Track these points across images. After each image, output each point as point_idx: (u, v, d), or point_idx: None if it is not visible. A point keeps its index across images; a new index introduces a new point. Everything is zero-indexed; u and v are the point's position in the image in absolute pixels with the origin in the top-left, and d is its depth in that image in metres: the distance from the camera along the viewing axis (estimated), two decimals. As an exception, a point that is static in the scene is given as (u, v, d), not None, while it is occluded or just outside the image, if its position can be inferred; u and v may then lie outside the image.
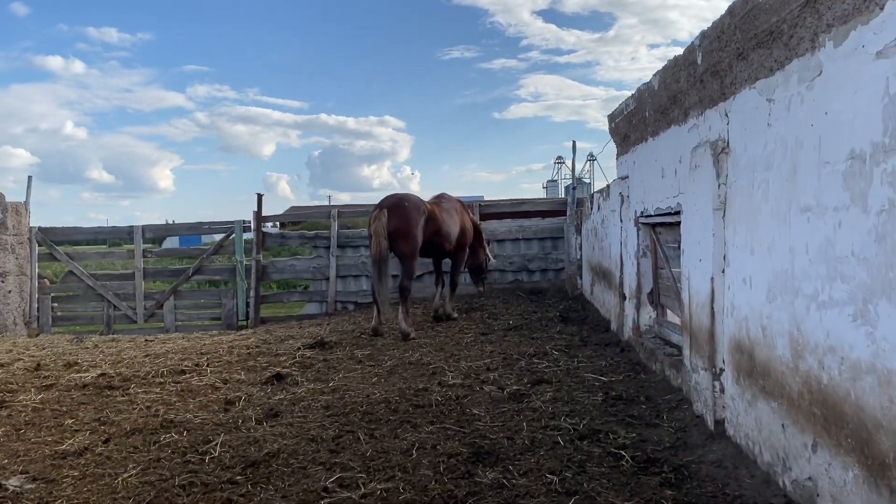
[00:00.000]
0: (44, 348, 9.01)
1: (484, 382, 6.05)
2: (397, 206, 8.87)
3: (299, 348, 8.07)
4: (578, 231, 10.93)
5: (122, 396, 5.98)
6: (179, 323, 11.76)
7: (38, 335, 11.15)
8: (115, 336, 10.39)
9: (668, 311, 6.78)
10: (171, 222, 12.36)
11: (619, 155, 8.00)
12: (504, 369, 6.52)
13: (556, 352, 7.19)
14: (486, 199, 19.42)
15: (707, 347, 4.64)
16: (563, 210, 12.02)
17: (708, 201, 4.55)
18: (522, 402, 5.36)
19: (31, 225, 11.40)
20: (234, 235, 11.62)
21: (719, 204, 4.46)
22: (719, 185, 4.46)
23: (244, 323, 11.62)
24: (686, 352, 5.21)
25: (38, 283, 11.55)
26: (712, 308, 4.59)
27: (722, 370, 4.50)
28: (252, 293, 11.49)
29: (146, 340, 9.89)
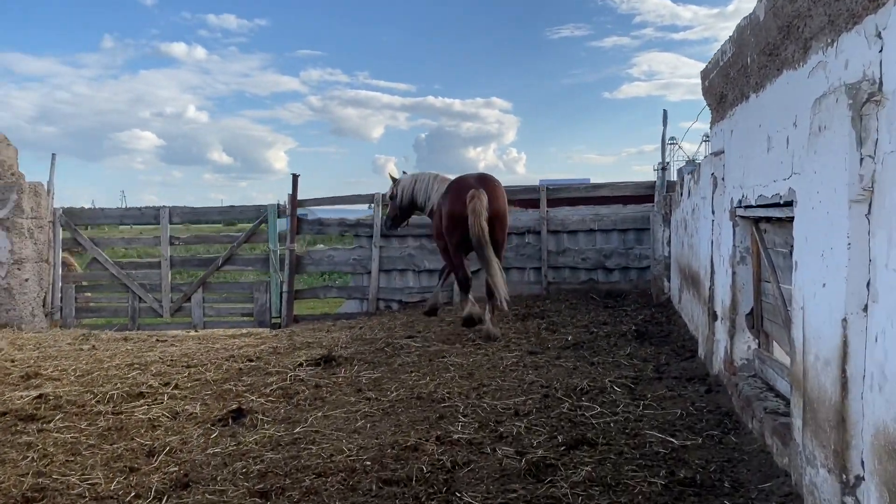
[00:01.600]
0: (37, 348, 7.98)
1: (501, 439, 4.32)
2: (493, 186, 7.66)
3: (301, 364, 6.59)
4: (667, 222, 8.88)
5: (31, 435, 4.65)
6: (208, 319, 10.59)
7: (59, 327, 10.28)
8: (127, 334, 9.31)
9: (775, 342, 4.81)
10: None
11: (713, 123, 5.99)
12: (538, 415, 4.76)
13: (618, 388, 5.35)
14: (591, 181, 17.42)
15: (833, 434, 2.75)
16: (650, 195, 9.95)
17: (840, 186, 2.64)
18: (542, 483, 3.61)
19: (54, 207, 10.51)
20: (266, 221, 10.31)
21: (861, 192, 2.56)
22: (862, 159, 2.55)
23: (277, 320, 10.31)
24: (796, 422, 3.31)
25: (63, 270, 10.67)
26: (844, 369, 2.69)
27: (859, 479, 2.62)
28: (285, 287, 10.15)
29: (157, 340, 8.74)
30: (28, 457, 4.20)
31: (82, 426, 4.83)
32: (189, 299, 10.51)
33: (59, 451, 4.30)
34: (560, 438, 4.24)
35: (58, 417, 5.00)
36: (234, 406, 5.11)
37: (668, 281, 8.78)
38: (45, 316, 10.25)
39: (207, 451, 4.24)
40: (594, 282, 9.90)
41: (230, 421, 4.83)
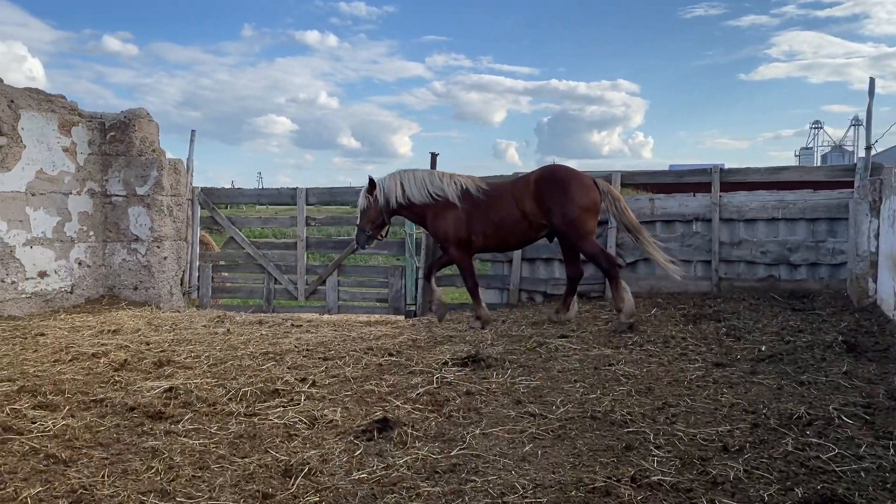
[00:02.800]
0: (172, 329, 7.72)
1: (715, 485, 3.35)
2: None
3: (446, 363, 5.84)
4: (875, 211, 7.42)
5: (158, 437, 4.13)
6: (342, 303, 10.11)
7: (196, 307, 10.14)
8: (262, 317, 8.93)
9: None
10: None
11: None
12: (754, 453, 3.73)
13: (849, 418, 4.22)
14: (726, 166, 16.09)
15: None
16: (845, 181, 8.46)
17: None
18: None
19: (192, 185, 10.35)
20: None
21: None
22: None
23: (412, 307, 9.69)
24: None
25: (200, 249, 10.52)
26: None
27: None
28: (421, 273, 9.49)
29: (292, 325, 8.32)
30: (152, 468, 3.65)
31: (212, 429, 4.27)
32: (324, 282, 10.07)
33: (186, 462, 3.73)
34: (799, 492, 3.21)
35: (187, 417, 4.48)
36: (379, 415, 4.41)
37: (875, 282, 7.35)
38: (183, 295, 10.13)
39: (353, 477, 3.53)
40: (775, 279, 8.53)
41: (375, 433, 4.13)
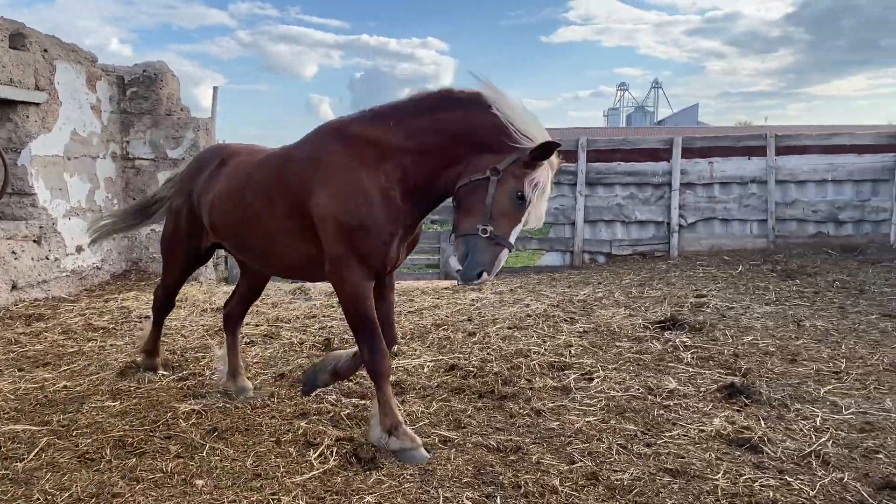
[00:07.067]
0: (274, 307, 7.13)
1: None
2: None
3: None
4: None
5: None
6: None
7: (225, 279, 9.37)
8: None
9: None
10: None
11: None
12: None
13: None
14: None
15: None
16: (888, 145, 9.39)
17: None
18: None
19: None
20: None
21: None
22: None
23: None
24: None
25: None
26: None
27: None
28: (482, 238, 9.36)
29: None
30: None
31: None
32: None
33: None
34: None
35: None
36: None
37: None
38: (214, 267, 9.33)
39: None
40: (824, 235, 9.31)
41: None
